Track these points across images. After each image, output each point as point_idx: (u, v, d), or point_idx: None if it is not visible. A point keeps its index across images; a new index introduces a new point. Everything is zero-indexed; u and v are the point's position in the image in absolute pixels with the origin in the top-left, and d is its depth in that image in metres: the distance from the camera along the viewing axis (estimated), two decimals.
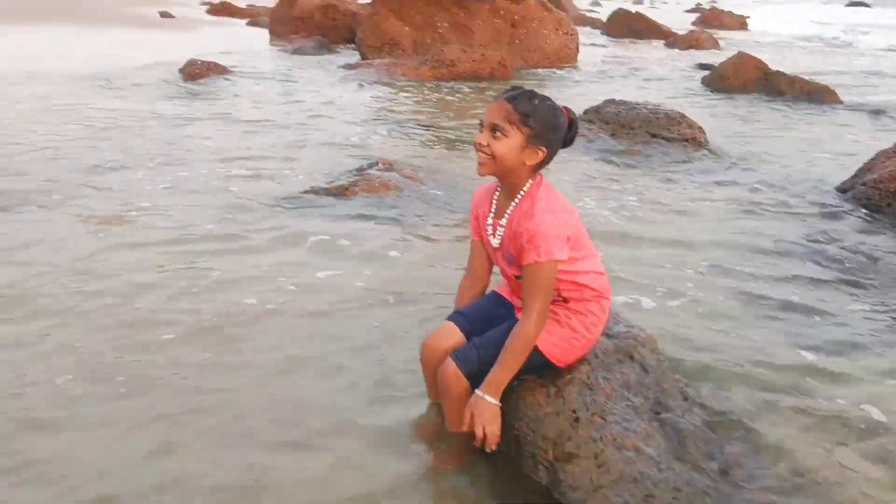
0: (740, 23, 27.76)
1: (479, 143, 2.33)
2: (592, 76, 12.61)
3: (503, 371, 2.33)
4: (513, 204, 2.39)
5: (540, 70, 12.80)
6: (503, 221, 2.42)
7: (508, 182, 2.40)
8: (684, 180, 6.27)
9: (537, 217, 2.28)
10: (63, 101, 8.66)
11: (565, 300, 2.44)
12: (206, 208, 5.00)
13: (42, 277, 3.79)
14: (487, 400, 2.32)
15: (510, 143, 2.30)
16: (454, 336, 2.54)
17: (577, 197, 5.54)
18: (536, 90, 2.38)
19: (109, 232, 4.48)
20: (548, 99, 2.35)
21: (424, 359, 2.60)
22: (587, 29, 23.03)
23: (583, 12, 30.20)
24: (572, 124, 2.38)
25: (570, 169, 6.26)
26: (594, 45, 17.81)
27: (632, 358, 2.60)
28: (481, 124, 2.36)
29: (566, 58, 13.45)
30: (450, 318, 2.61)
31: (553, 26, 13.55)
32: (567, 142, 2.40)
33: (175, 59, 11.18)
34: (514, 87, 2.39)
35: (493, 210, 2.50)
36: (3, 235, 4.38)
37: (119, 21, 18.95)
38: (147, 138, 7.02)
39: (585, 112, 7.81)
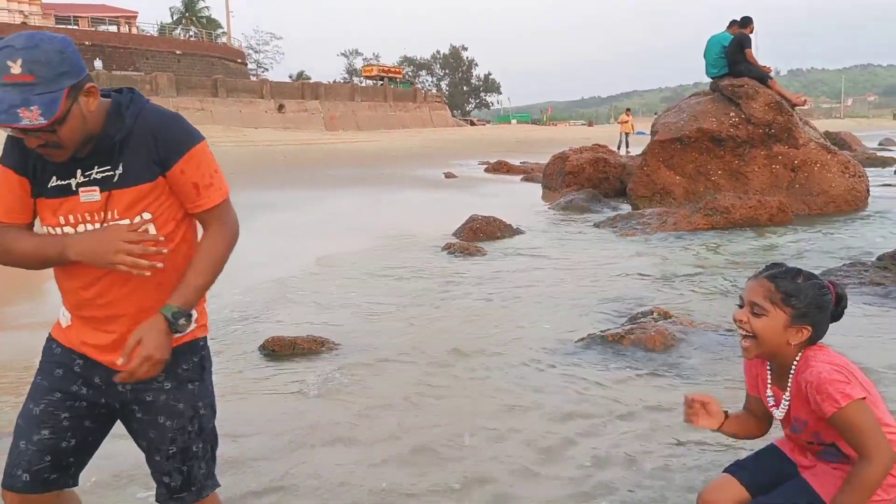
0: None
1: (739, 320, 2.29)
2: (888, 219, 11.66)
3: None
4: (790, 379, 2.32)
5: (824, 215, 12.10)
6: (786, 396, 2.34)
7: (777, 364, 2.35)
8: None
9: (814, 368, 2.21)
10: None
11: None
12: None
13: None
14: None
15: (770, 323, 2.24)
16: (734, 491, 2.44)
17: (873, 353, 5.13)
18: (802, 268, 2.32)
19: None
20: (812, 276, 2.30)
21: None
22: (877, 170, 21.40)
23: (873, 152, 28.14)
24: (840, 300, 2.30)
25: (858, 325, 5.81)
26: (888, 185, 16.48)
27: None
28: (741, 300, 2.32)
29: (854, 201, 12.59)
30: (728, 471, 2.54)
31: (838, 169, 12.85)
32: (835, 318, 2.31)
33: (459, 216, 12.22)
34: (775, 264, 2.35)
35: (769, 380, 2.42)
36: None
37: (412, 183, 21.28)
38: (432, 289, 7.73)
39: (879, 258, 7.26)
